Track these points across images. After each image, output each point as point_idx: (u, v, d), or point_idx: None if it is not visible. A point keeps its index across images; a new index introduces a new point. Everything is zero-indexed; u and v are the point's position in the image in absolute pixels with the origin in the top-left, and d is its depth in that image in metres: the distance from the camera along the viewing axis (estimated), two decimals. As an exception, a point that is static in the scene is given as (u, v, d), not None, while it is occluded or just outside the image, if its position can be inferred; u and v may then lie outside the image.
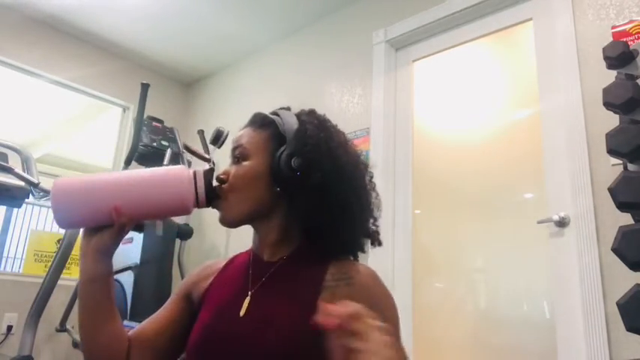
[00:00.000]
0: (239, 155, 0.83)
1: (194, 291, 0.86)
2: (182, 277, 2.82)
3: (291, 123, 0.83)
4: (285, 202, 0.81)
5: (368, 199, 0.85)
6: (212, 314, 0.79)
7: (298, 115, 0.86)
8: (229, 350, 0.72)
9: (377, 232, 0.87)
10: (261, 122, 0.86)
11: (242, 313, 0.76)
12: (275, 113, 0.88)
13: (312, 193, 0.78)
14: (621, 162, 1.37)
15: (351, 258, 0.86)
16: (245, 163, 0.82)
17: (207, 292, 0.85)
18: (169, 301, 0.88)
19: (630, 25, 1.65)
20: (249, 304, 0.76)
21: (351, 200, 0.80)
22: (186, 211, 0.75)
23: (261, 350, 0.70)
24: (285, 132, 0.82)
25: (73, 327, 2.58)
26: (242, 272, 0.84)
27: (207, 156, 2.60)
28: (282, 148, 0.79)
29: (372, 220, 0.86)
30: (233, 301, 0.78)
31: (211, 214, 0.91)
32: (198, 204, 0.75)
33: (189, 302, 0.86)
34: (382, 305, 0.74)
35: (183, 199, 0.74)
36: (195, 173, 0.75)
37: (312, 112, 0.88)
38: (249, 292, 0.78)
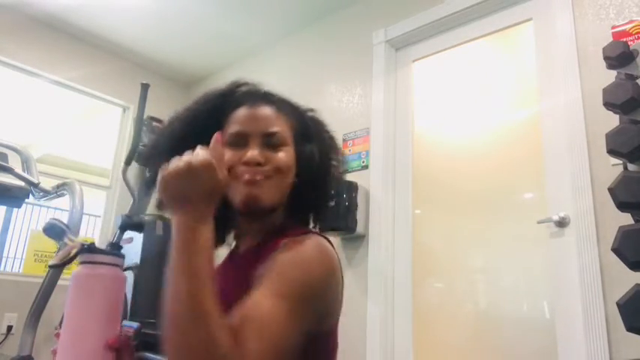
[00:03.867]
0: (278, 142, 0.81)
1: None
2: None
3: (304, 120, 0.89)
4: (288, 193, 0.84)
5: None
6: None
7: (303, 110, 0.91)
8: None
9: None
10: (284, 108, 0.86)
11: None
12: (281, 98, 0.90)
13: (323, 188, 0.87)
14: (621, 162, 1.37)
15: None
16: (286, 150, 0.81)
17: None
18: None
19: (630, 25, 1.65)
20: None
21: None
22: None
23: None
24: (298, 127, 0.86)
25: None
26: (218, 270, 0.85)
27: None
28: (310, 146, 0.85)
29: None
30: None
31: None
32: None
33: None
34: (280, 256, 0.69)
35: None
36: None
37: (314, 110, 0.93)
38: None
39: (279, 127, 0.82)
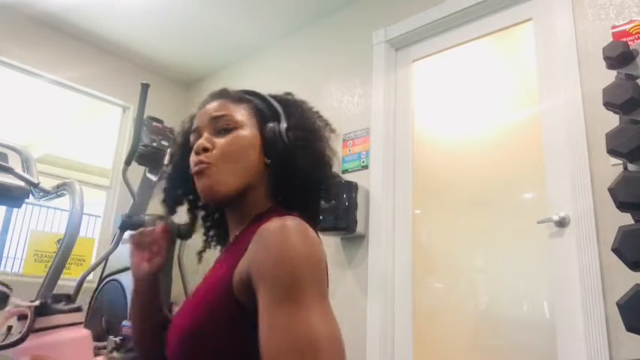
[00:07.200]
0: (227, 125, 0.79)
1: None
2: (182, 276, 2.82)
3: (268, 101, 0.86)
4: (268, 176, 0.81)
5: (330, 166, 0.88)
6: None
7: (274, 96, 0.88)
8: (172, 335, 0.73)
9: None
10: (237, 98, 0.85)
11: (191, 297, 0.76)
12: (245, 92, 0.88)
13: (299, 165, 0.79)
14: (621, 162, 1.37)
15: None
16: (238, 133, 0.79)
17: None
18: None
19: (630, 25, 1.65)
20: (197, 288, 0.77)
21: (322, 170, 0.84)
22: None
23: (182, 331, 0.69)
24: (264, 108, 0.84)
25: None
26: (216, 262, 0.84)
27: None
28: (275, 123, 0.81)
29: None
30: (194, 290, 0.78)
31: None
32: None
33: None
34: (263, 259, 0.63)
35: None
36: None
37: (288, 93, 0.91)
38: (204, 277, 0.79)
39: (227, 110, 0.80)
